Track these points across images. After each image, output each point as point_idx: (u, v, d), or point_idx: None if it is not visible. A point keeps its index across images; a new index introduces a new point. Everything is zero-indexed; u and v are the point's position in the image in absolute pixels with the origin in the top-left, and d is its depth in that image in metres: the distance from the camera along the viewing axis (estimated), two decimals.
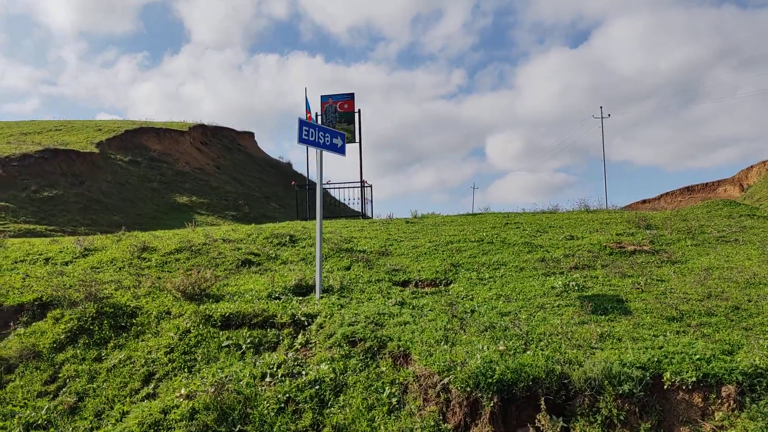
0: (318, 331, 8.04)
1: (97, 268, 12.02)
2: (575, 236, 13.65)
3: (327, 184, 20.80)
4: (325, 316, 8.25)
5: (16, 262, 12.57)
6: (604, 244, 12.59)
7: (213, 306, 8.95)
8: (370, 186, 20.46)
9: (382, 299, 9.19)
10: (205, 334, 8.37)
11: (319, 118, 21.24)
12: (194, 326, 8.54)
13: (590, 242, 12.82)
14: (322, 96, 21.16)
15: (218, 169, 47.06)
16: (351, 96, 21.07)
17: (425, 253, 12.72)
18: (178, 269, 11.84)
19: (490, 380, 6.05)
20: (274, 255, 12.76)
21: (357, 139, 20.99)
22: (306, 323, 8.30)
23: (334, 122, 20.99)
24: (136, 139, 44.04)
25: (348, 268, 11.76)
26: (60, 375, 8.15)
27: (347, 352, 7.31)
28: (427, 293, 9.88)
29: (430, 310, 8.67)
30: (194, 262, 12.20)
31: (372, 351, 7.25)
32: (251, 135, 63.46)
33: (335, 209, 25.24)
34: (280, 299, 9.37)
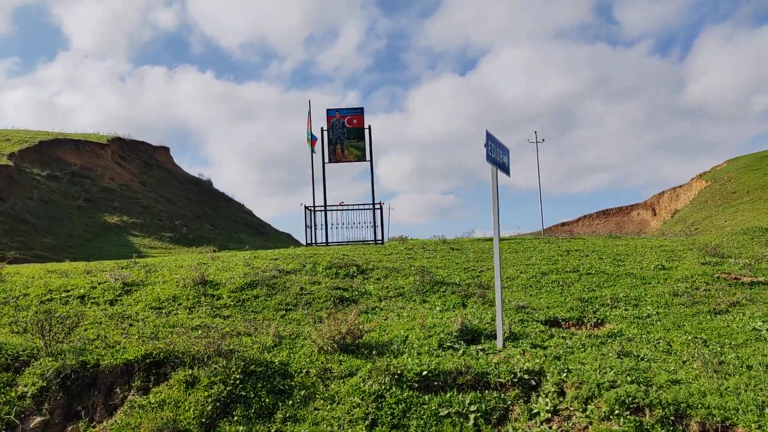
0: (559, 393, 6.49)
1: (161, 309, 9.73)
2: (665, 266, 12.81)
3: (340, 205, 18.95)
4: (560, 373, 6.71)
5: (43, 302, 10.01)
6: (715, 274, 11.78)
7: (394, 361, 7.15)
8: (381, 207, 18.86)
9: (594, 348, 7.74)
10: (407, 400, 6.59)
11: (325, 133, 19.39)
12: (385, 389, 6.73)
13: (695, 273, 11.97)
14: (328, 110, 19.34)
15: (144, 186, 43.40)
16: (360, 111, 19.39)
17: (530, 286, 11.39)
18: (264, 309, 9.85)
19: None
20: (363, 290, 10.95)
21: (368, 158, 19.32)
22: (533, 383, 6.73)
23: (343, 138, 19.23)
24: (52, 152, 39.77)
25: (464, 306, 10.21)
26: None
27: (636, 424, 5.83)
28: (608, 336, 8.52)
29: (663, 361, 7.33)
30: (279, 299, 10.19)
31: (668, 422, 5.82)
32: (167, 150, 59.64)
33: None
34: (456, 349, 7.71)
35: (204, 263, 13.39)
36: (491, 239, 17.92)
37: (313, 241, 18.72)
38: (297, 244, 54.19)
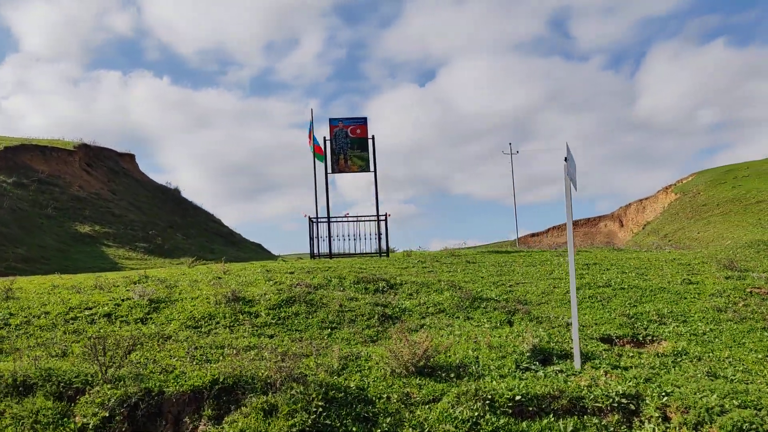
0: (663, 418, 6.23)
1: (198, 327, 9.17)
2: (691, 280, 12.76)
3: (345, 216, 18.42)
4: (659, 397, 6.45)
5: (67, 321, 9.33)
6: (747, 289, 11.76)
7: (480, 385, 6.78)
8: (385, 219, 18.41)
9: (678, 369, 7.51)
10: (504, 427, 6.23)
11: (328, 143, 18.91)
12: (479, 415, 6.36)
13: (725, 287, 11.91)
14: (330, 119, 18.90)
15: (114, 195, 42.04)
16: (364, 120, 18.99)
17: (569, 301, 11.16)
18: (308, 327, 9.39)
19: None
20: (402, 306, 10.55)
21: (372, 168, 18.90)
22: (632, 407, 6.45)
23: (346, 148, 18.78)
24: (18, 158, 38.20)
25: (510, 323, 9.92)
26: None
27: None
28: (675, 355, 8.32)
29: (751, 382, 7.14)
30: (321, 317, 9.72)
31: None
32: (132, 157, 57.92)
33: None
34: (533, 371, 7.40)
35: (219, 278, 12.81)
36: (499, 252, 17.71)
37: (318, 253, 18.14)
38: (269, 254, 53.31)
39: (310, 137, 19.05)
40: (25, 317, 9.33)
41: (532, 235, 64.01)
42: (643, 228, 48.77)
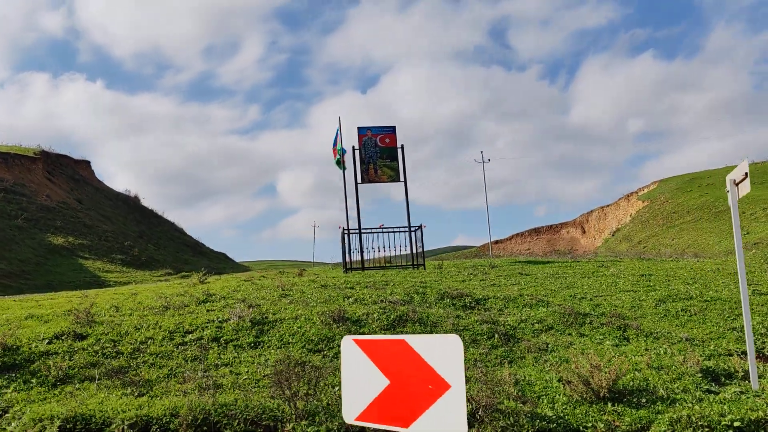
0: None
1: (320, 351, 8.59)
2: (761, 292, 12.88)
3: (380, 228, 17.87)
4: None
5: (178, 347, 8.58)
6: None
7: (688, 411, 6.49)
8: (420, 229, 17.99)
9: None
10: None
11: (356, 152, 18.38)
12: None
13: None
14: (359, 128, 18.38)
15: (81, 204, 40.13)
16: (393, 129, 18.55)
17: (664, 315, 11.06)
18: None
19: None
20: (510, 324, 10.20)
21: (402, 178, 18.47)
22: None
23: (375, 158, 18.29)
24: None
25: (627, 339, 9.71)
26: None
27: None
28: None
29: None
30: None
31: None
32: (88, 164, 55.72)
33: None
34: (716, 393, 7.17)
35: (286, 295, 12.16)
36: (538, 262, 17.57)
37: (351, 266, 17.54)
38: (237, 264, 51.94)
39: (334, 149, 18.51)
40: (132, 344, 8.52)
41: (496, 242, 64.61)
42: (613, 235, 49.87)
